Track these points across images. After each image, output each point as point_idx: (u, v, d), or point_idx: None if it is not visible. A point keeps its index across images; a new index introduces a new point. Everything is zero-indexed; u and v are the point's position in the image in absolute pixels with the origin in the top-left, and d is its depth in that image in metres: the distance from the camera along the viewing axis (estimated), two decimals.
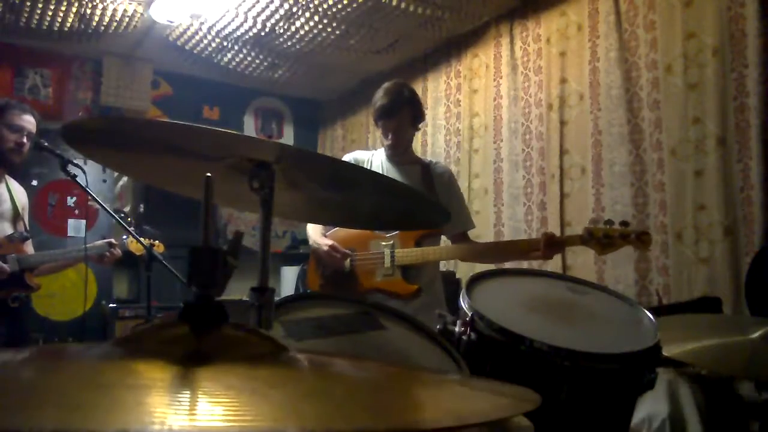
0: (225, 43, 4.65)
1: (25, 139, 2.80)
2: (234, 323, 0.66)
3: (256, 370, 0.61)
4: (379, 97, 2.46)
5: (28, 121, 2.83)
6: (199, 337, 0.63)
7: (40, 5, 4.07)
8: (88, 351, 0.69)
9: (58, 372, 0.58)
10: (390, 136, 2.49)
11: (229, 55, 4.86)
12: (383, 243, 2.43)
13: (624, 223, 2.08)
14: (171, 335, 0.63)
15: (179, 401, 0.52)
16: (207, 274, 0.68)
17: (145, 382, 0.56)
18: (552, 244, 2.19)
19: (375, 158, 2.59)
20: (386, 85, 2.50)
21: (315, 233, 2.54)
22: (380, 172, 2.55)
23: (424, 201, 1.38)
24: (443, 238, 2.65)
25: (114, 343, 0.64)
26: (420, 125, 2.59)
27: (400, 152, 2.52)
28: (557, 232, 3.65)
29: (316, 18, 4.19)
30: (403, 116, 2.46)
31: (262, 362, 0.64)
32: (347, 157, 2.63)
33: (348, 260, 2.46)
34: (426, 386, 0.70)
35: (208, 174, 0.72)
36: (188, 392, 0.54)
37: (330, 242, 2.47)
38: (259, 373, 0.61)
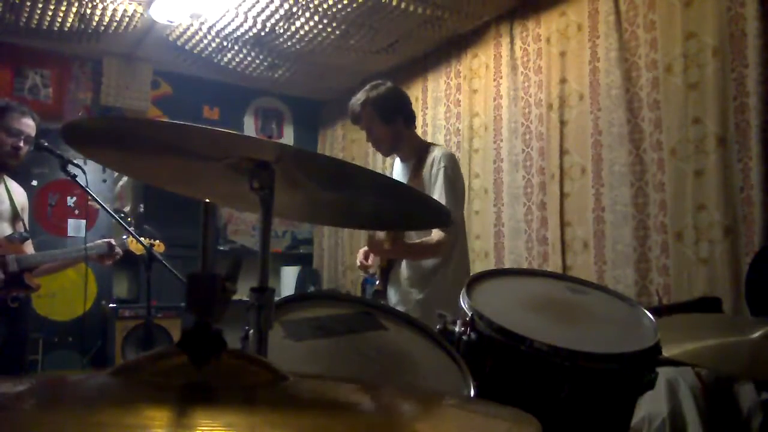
0: (225, 43, 4.65)
1: (22, 143, 2.79)
2: (233, 351, 0.66)
3: (255, 404, 0.61)
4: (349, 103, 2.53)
5: (27, 125, 2.82)
6: (198, 367, 0.62)
7: (40, 5, 4.07)
8: (86, 383, 0.68)
9: (55, 409, 0.58)
10: (367, 139, 2.54)
11: (229, 55, 4.86)
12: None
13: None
14: (169, 365, 0.63)
15: None
16: (205, 301, 0.67)
17: (143, 421, 0.55)
18: (371, 243, 2.25)
19: (396, 161, 2.66)
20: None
21: None
22: (396, 173, 2.60)
23: (423, 201, 1.38)
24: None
25: (112, 372, 0.63)
26: (403, 120, 2.51)
27: (386, 151, 2.56)
28: (557, 232, 3.66)
29: (316, 18, 4.19)
30: (366, 118, 2.47)
31: (261, 395, 0.63)
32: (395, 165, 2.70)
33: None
34: (426, 416, 0.69)
35: (207, 200, 0.72)
36: None
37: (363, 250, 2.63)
38: (259, 409, 0.60)
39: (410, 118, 2.56)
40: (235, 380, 0.63)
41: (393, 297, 2.45)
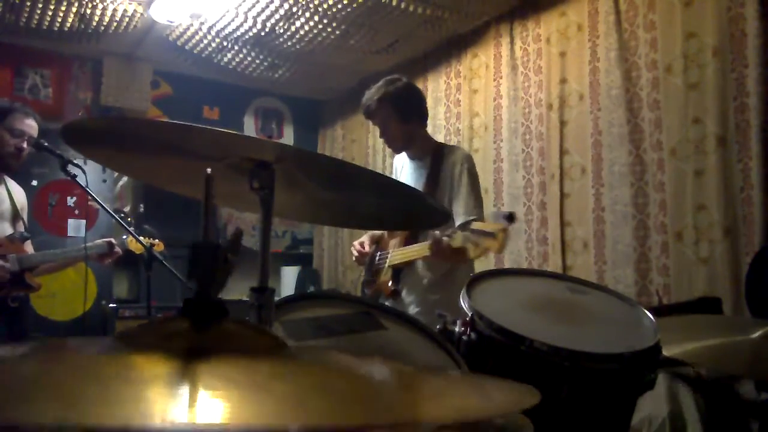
0: (225, 43, 4.65)
1: (25, 144, 2.80)
2: (234, 319, 0.66)
3: (257, 364, 0.61)
4: (363, 97, 2.47)
5: (30, 126, 2.82)
6: (200, 332, 0.63)
7: (40, 5, 4.07)
8: (88, 345, 0.69)
9: (57, 365, 0.58)
10: (380, 135, 2.50)
11: (229, 55, 4.86)
12: (392, 242, 2.47)
13: (510, 217, 2.01)
14: (171, 330, 0.63)
15: (180, 395, 0.51)
16: (207, 270, 0.68)
17: (145, 375, 0.56)
18: (439, 249, 2.10)
19: (402, 158, 2.60)
20: (376, 84, 2.48)
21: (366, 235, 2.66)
22: (401, 171, 2.58)
23: (423, 200, 1.38)
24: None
25: (115, 337, 0.64)
26: (418, 118, 2.48)
27: (398, 148, 2.52)
28: (557, 232, 3.66)
29: (316, 18, 4.19)
30: (383, 114, 2.41)
31: (263, 357, 0.63)
32: (395, 161, 2.67)
33: (377, 258, 2.54)
34: (428, 382, 0.70)
35: (209, 170, 0.72)
36: (189, 386, 0.53)
37: (358, 240, 2.58)
38: (261, 367, 0.60)
39: (425, 116, 2.54)
40: (237, 345, 0.64)
41: (408, 298, 2.41)
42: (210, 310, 0.65)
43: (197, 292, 0.66)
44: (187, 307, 0.65)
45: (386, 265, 2.44)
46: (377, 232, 2.61)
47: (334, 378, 0.63)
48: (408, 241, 2.41)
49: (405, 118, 2.42)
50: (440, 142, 2.66)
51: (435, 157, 2.46)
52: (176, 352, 0.59)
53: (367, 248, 2.54)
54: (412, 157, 2.52)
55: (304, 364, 0.67)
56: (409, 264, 2.40)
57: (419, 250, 2.28)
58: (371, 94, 2.42)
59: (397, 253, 2.41)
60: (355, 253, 2.56)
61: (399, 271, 2.43)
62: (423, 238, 2.36)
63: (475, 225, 2.03)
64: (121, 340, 0.64)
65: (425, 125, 2.56)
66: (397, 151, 2.53)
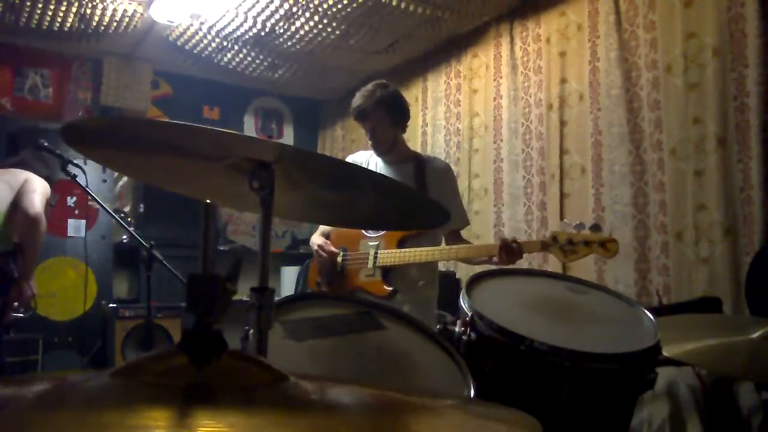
0: (225, 43, 4.65)
1: None
2: (233, 351, 0.66)
3: (256, 405, 0.61)
4: (354, 99, 2.50)
5: None
6: (199, 367, 0.63)
7: (40, 5, 4.07)
8: (86, 384, 0.68)
9: (56, 410, 0.58)
10: (369, 137, 2.53)
11: (229, 55, 4.86)
12: (370, 243, 2.47)
13: (595, 227, 2.02)
14: (170, 366, 0.63)
15: None
16: (205, 302, 0.67)
17: (145, 422, 0.55)
18: (509, 251, 2.11)
19: (372, 159, 2.61)
20: (365, 87, 2.51)
21: (317, 232, 2.66)
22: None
23: (423, 201, 1.38)
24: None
25: (113, 374, 0.63)
26: (404, 124, 2.56)
27: (383, 151, 2.55)
28: None
29: (316, 18, 4.19)
30: (377, 117, 2.47)
31: (262, 395, 0.63)
32: (348, 159, 2.65)
33: (340, 259, 2.53)
34: (426, 416, 0.70)
35: (208, 201, 0.72)
36: None
37: (320, 241, 2.57)
38: (260, 409, 0.60)
39: (407, 123, 2.63)
40: (236, 381, 0.63)
41: (402, 300, 2.42)
42: (209, 343, 0.64)
43: (195, 324, 0.65)
44: (186, 340, 0.64)
45: (370, 264, 2.45)
46: (326, 229, 2.61)
47: (332, 419, 0.62)
48: (401, 244, 2.41)
49: (395, 123, 2.51)
50: (416, 152, 2.75)
51: (418, 164, 2.52)
52: (175, 391, 0.58)
53: (332, 248, 2.52)
54: (389, 162, 2.56)
55: (302, 402, 0.66)
56: (401, 264, 2.42)
57: (468, 250, 2.33)
58: (365, 98, 2.47)
59: (392, 254, 2.41)
60: (324, 254, 2.50)
61: (388, 271, 2.44)
62: (412, 240, 2.40)
63: (566, 233, 2.06)
64: (119, 377, 0.63)
65: (405, 132, 2.65)
66: (382, 153, 2.57)
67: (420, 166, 2.52)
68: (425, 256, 2.37)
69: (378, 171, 2.56)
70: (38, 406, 0.60)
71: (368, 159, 2.63)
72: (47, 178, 3.07)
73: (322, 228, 2.64)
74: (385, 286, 2.41)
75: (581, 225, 2.03)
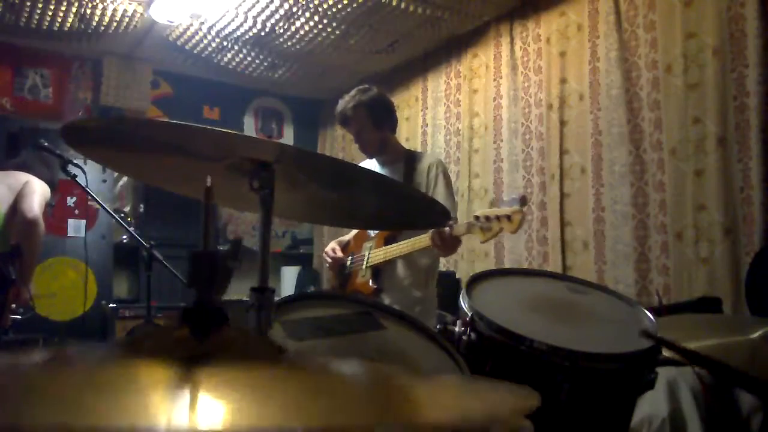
0: (225, 43, 4.65)
1: None
2: (234, 326, 0.66)
3: (257, 369, 0.61)
4: (337, 105, 2.54)
5: None
6: (200, 339, 0.63)
7: (40, 5, 4.07)
8: (88, 353, 0.69)
9: (59, 374, 0.58)
10: (355, 141, 2.58)
11: (229, 55, 4.86)
12: (367, 244, 2.50)
13: (513, 201, 1.99)
14: (171, 338, 0.63)
15: (181, 400, 0.52)
16: (207, 278, 0.68)
17: (146, 382, 0.56)
18: (441, 238, 2.15)
19: (371, 164, 2.65)
20: (348, 92, 2.55)
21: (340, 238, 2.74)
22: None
23: (423, 201, 1.38)
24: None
25: (114, 345, 0.64)
26: (390, 125, 2.57)
27: (372, 154, 2.58)
28: (557, 233, 3.66)
29: (316, 18, 4.19)
30: (358, 121, 2.49)
31: (262, 362, 0.64)
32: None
33: (349, 262, 2.60)
34: (426, 384, 0.70)
35: (209, 181, 0.72)
36: (190, 391, 0.54)
37: (330, 246, 2.64)
38: (260, 372, 0.61)
39: (396, 123, 2.64)
40: (237, 351, 0.64)
41: (387, 299, 2.44)
42: (210, 317, 0.65)
43: (197, 299, 0.66)
44: (187, 314, 0.65)
45: (365, 265, 2.50)
46: (344, 238, 2.70)
47: (333, 381, 0.63)
48: (388, 242, 2.43)
49: (378, 125, 2.52)
50: (410, 149, 2.77)
51: (408, 162, 2.54)
52: (177, 358, 0.59)
53: (339, 254, 2.59)
54: (383, 163, 2.60)
55: (302, 368, 0.67)
56: (390, 264, 2.45)
57: (412, 243, 2.31)
58: (345, 103, 2.52)
59: (378, 252, 2.45)
60: (329, 260, 2.61)
61: (378, 271, 2.47)
62: (402, 239, 2.41)
63: (485, 211, 2.08)
64: (121, 347, 0.64)
65: (395, 133, 2.66)
66: (370, 156, 2.60)
67: (409, 163, 2.54)
68: (384, 254, 2.43)
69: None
70: (41, 370, 0.61)
71: (374, 164, 2.67)
72: (49, 181, 3.07)
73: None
74: (370, 284, 2.44)
75: (502, 201, 2.01)
